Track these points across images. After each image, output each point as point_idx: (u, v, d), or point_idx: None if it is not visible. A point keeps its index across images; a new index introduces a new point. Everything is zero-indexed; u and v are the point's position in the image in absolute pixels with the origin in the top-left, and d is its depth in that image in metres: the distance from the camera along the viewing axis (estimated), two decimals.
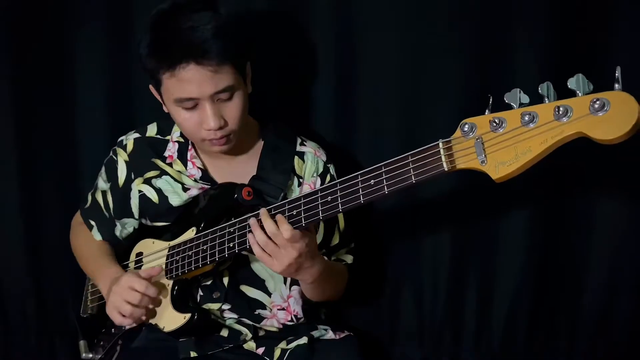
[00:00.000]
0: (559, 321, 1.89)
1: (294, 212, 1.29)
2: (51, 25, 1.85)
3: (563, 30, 1.67)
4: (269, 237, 1.30)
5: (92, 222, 1.67)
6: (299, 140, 1.62)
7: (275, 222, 1.29)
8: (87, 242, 1.69)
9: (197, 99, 1.38)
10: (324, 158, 1.62)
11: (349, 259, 1.66)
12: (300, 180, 1.58)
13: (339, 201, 1.22)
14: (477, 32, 1.71)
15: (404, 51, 1.76)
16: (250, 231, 1.33)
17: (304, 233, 1.31)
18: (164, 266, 1.51)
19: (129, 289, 1.44)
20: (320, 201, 1.25)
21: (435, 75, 1.76)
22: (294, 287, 1.58)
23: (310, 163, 1.59)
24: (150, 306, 1.47)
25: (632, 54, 1.67)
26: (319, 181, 1.60)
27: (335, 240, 1.62)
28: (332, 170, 1.63)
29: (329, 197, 1.24)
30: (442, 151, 1.08)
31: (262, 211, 1.32)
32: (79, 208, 1.73)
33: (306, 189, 1.57)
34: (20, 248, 2.00)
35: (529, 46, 1.68)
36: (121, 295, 1.44)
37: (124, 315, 1.45)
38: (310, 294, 1.54)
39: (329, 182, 1.57)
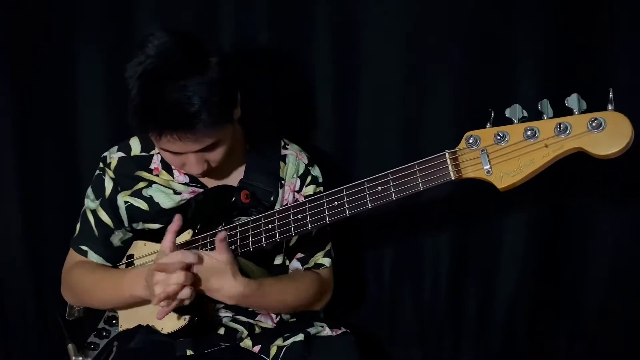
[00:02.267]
0: (559, 321, 2.03)
1: (300, 216, 1.42)
2: (51, 26, 1.95)
3: (562, 35, 1.82)
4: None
5: (85, 247, 1.69)
6: (282, 143, 1.72)
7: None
8: (88, 274, 1.68)
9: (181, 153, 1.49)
10: (306, 161, 1.72)
11: (326, 262, 1.75)
12: (282, 182, 1.67)
13: (346, 206, 1.36)
14: (477, 40, 1.86)
15: (404, 60, 1.90)
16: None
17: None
18: None
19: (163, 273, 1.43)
20: (326, 206, 1.38)
21: (435, 84, 1.90)
22: None
23: (291, 165, 1.69)
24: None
25: (632, 54, 1.81)
26: (298, 182, 1.70)
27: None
28: (313, 172, 1.72)
29: (335, 202, 1.37)
30: (448, 161, 1.24)
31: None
32: (72, 238, 1.73)
33: (286, 190, 1.68)
34: (21, 248, 2.10)
35: (528, 54, 1.83)
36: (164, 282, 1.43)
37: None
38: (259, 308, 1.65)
39: (309, 182, 1.70)
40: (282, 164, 1.69)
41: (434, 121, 1.92)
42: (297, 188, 1.70)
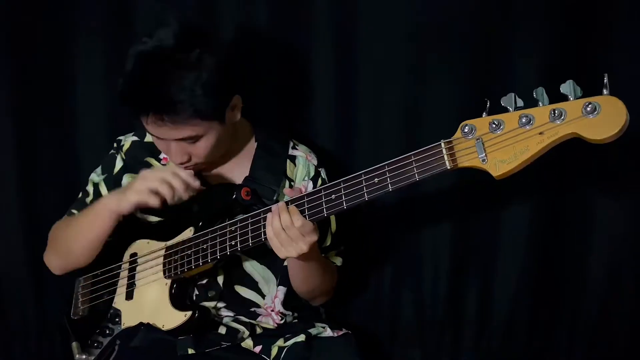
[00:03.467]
0: (559, 321, 2.00)
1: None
2: (51, 26, 1.94)
3: (562, 33, 1.79)
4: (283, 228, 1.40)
5: (74, 210, 1.74)
6: (291, 144, 1.71)
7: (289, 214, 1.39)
8: (63, 221, 1.74)
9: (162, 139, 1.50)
10: (315, 162, 1.71)
11: (338, 261, 1.75)
12: (292, 183, 1.67)
13: (344, 199, 1.34)
14: (477, 35, 1.83)
15: (404, 57, 1.87)
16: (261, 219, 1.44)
17: (315, 229, 1.42)
18: (162, 265, 1.60)
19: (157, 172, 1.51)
20: (324, 199, 1.36)
21: (436, 80, 1.87)
22: (280, 287, 1.68)
23: (301, 167, 1.69)
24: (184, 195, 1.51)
25: (632, 54, 1.78)
26: (310, 185, 1.69)
27: (327, 242, 1.71)
28: (323, 174, 1.72)
29: (333, 195, 1.35)
30: (444, 151, 1.21)
31: (281, 204, 1.41)
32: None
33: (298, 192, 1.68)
34: (20, 248, 2.09)
35: (529, 49, 1.80)
36: (153, 174, 1.51)
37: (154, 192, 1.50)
38: (299, 280, 1.64)
39: (320, 185, 1.67)
40: (290, 164, 1.68)
41: (436, 116, 1.90)
42: (310, 191, 1.68)
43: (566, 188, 1.90)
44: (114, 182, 1.70)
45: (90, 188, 1.74)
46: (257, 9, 1.90)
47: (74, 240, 1.67)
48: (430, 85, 1.89)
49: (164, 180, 1.49)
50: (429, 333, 2.06)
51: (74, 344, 1.75)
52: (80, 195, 1.77)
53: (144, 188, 1.50)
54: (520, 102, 1.15)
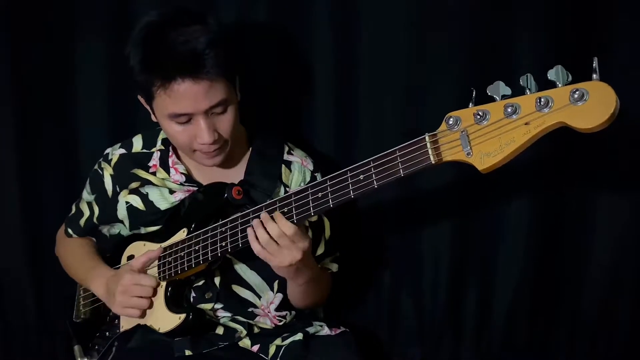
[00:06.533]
0: (559, 321, 1.92)
1: (285, 210, 1.33)
2: (52, 26, 1.88)
3: (562, 25, 1.69)
4: (271, 237, 1.32)
5: (70, 230, 1.74)
6: (286, 148, 1.65)
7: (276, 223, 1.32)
8: (71, 249, 1.75)
9: (191, 114, 1.40)
10: (311, 167, 1.65)
11: (334, 267, 1.68)
12: (287, 189, 1.60)
13: (330, 197, 1.26)
14: (476, 30, 1.73)
15: (403, 53, 1.78)
16: (250, 226, 1.36)
17: (305, 233, 1.35)
18: (156, 267, 1.54)
19: (135, 285, 1.50)
20: (311, 197, 1.29)
21: (437, 81, 1.78)
22: (278, 294, 1.60)
23: (297, 173, 1.62)
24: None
25: (632, 53, 1.68)
26: None
27: (321, 249, 1.64)
28: (319, 179, 1.62)
29: (320, 194, 1.27)
30: (428, 144, 1.12)
31: (263, 214, 1.34)
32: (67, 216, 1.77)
33: None
34: (20, 248, 2.04)
35: (529, 47, 1.70)
36: (130, 293, 1.50)
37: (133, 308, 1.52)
38: (297, 297, 1.58)
39: None
40: (285, 169, 1.61)
41: (437, 118, 1.78)
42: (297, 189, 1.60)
43: (566, 188, 1.82)
44: (110, 204, 1.65)
45: (84, 207, 1.71)
46: (257, 9, 1.83)
47: (72, 274, 1.75)
48: (431, 87, 1.80)
49: (134, 295, 1.51)
50: (429, 333, 1.99)
51: (76, 347, 1.71)
52: (74, 210, 1.75)
53: (122, 310, 1.53)
54: (507, 91, 1.05)
